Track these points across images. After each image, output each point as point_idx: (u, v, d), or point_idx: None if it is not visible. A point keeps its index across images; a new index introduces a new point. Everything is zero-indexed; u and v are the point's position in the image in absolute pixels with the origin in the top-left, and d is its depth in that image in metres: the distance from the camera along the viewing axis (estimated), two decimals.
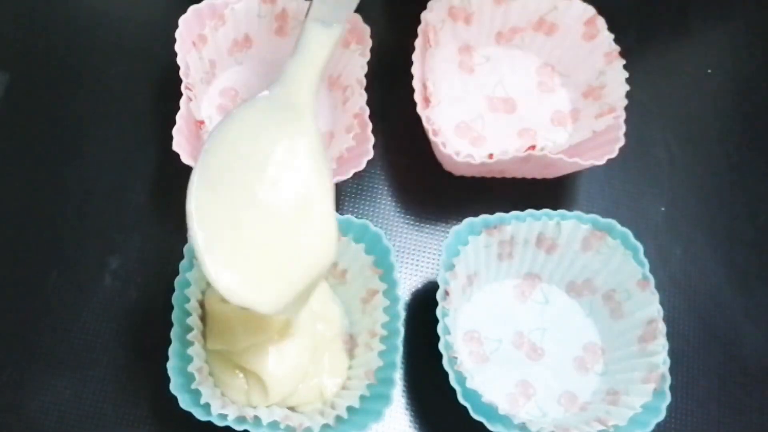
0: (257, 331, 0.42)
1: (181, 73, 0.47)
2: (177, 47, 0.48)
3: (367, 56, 0.49)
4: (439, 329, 0.43)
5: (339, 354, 0.45)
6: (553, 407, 0.46)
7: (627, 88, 0.49)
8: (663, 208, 0.53)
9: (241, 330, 0.43)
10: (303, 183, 0.37)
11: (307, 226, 0.37)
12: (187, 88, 0.47)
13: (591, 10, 0.52)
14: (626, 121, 0.49)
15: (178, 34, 0.49)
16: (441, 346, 0.43)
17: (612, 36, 0.51)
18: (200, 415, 0.40)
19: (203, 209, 0.35)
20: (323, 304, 0.45)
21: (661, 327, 0.44)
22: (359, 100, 0.48)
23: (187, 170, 0.45)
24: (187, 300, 0.43)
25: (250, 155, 0.37)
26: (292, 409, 0.44)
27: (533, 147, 0.47)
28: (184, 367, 0.41)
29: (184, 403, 0.41)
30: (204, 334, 0.44)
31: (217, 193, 0.36)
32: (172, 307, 0.42)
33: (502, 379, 0.46)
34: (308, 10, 0.41)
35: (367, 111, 0.48)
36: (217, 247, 0.35)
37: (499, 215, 0.46)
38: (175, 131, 0.46)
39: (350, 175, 0.47)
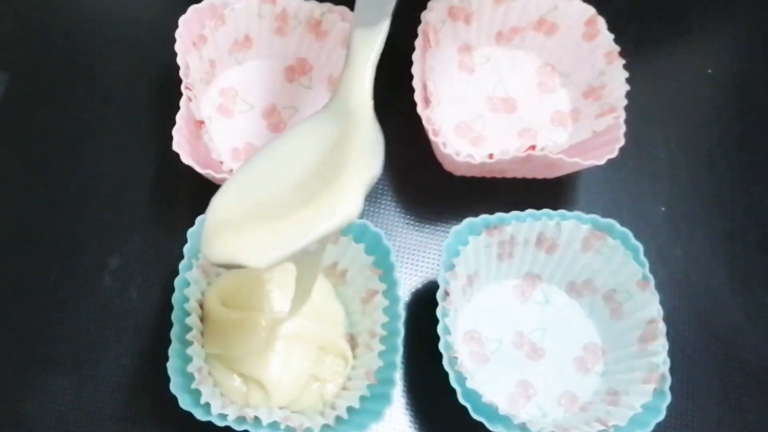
0: (253, 337, 0.42)
1: (181, 73, 0.47)
2: (177, 47, 0.48)
3: None
4: (439, 329, 0.43)
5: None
6: (554, 407, 0.46)
7: (627, 88, 0.49)
8: (663, 208, 0.53)
9: (237, 335, 0.42)
10: (336, 160, 0.36)
11: (327, 192, 0.35)
12: (187, 88, 0.47)
13: (591, 10, 0.52)
14: (626, 121, 0.49)
15: (178, 34, 0.49)
16: (441, 347, 0.43)
17: (612, 36, 0.51)
18: (200, 415, 0.40)
19: (226, 198, 0.35)
20: (326, 304, 0.45)
21: (662, 327, 0.44)
22: None
23: (187, 170, 0.45)
24: (187, 300, 0.43)
25: (293, 157, 0.37)
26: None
27: (533, 147, 0.47)
28: (184, 367, 0.41)
29: (184, 403, 0.41)
30: (203, 334, 0.44)
31: (243, 185, 0.36)
32: (172, 307, 0.42)
33: (502, 379, 0.46)
34: (353, 19, 0.41)
35: None
36: (220, 214, 0.35)
37: (499, 215, 0.46)
38: (175, 131, 0.46)
39: None
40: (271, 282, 0.44)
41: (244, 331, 0.43)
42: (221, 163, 0.46)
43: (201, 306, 0.44)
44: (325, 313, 0.45)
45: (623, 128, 0.49)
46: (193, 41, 0.49)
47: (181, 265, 0.43)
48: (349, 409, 0.42)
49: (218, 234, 0.34)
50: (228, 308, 0.44)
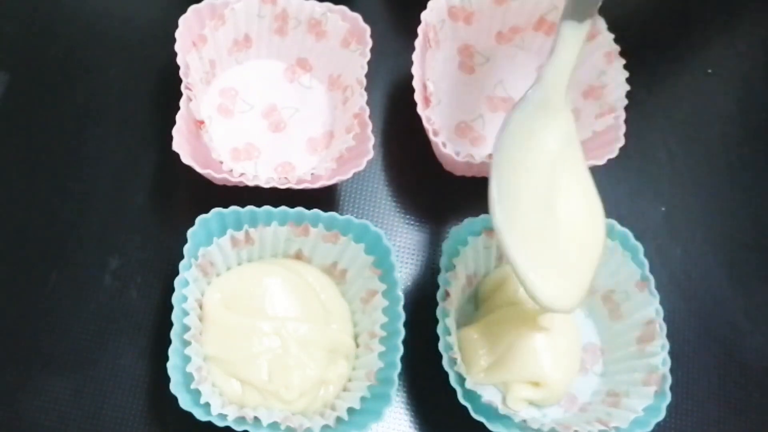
0: (256, 341, 0.42)
1: (181, 73, 0.47)
2: (177, 47, 0.48)
3: (367, 56, 0.49)
4: (439, 329, 0.43)
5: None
6: (553, 408, 0.46)
7: (627, 88, 0.49)
8: (663, 208, 0.53)
9: (239, 339, 0.42)
10: (585, 187, 0.41)
11: (590, 223, 0.40)
12: (187, 88, 0.47)
13: None
14: (626, 121, 0.49)
15: (178, 34, 0.49)
16: (441, 347, 0.43)
17: (612, 36, 0.51)
18: (200, 415, 0.40)
19: (510, 225, 0.38)
20: (334, 303, 0.45)
21: (660, 328, 0.44)
22: (359, 100, 0.48)
23: (187, 170, 0.45)
24: (186, 299, 0.43)
25: (532, 161, 0.41)
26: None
27: None
28: (184, 367, 0.41)
29: (184, 402, 0.41)
30: (201, 334, 0.43)
31: (516, 206, 0.39)
32: (172, 307, 0.42)
33: None
34: (563, 9, 0.43)
35: (367, 111, 0.48)
36: (533, 263, 0.38)
37: None
38: (175, 131, 0.46)
39: (350, 175, 0.47)
40: (275, 285, 0.44)
41: (246, 336, 0.42)
42: (221, 163, 0.46)
43: (200, 306, 0.44)
44: (334, 312, 0.45)
45: (623, 128, 0.49)
46: (193, 41, 0.49)
47: (181, 264, 0.43)
48: (350, 410, 0.42)
49: (538, 275, 0.38)
50: (230, 311, 0.43)
